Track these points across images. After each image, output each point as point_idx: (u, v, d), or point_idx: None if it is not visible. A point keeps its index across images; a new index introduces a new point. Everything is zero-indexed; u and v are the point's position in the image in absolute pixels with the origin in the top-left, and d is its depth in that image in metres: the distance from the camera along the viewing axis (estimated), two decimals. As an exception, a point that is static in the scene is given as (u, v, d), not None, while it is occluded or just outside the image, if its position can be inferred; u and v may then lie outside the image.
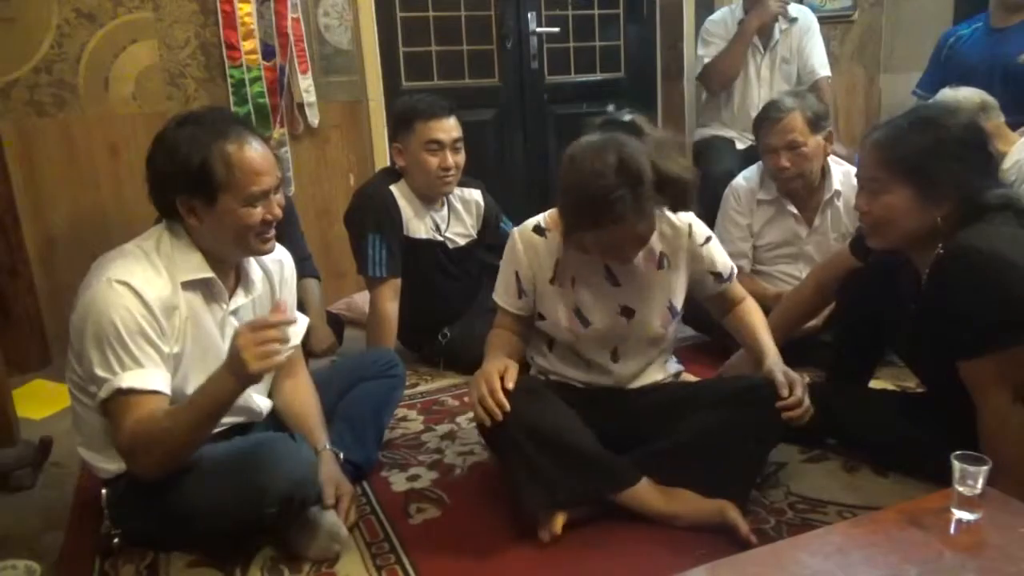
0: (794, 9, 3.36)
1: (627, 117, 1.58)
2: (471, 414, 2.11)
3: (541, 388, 1.69)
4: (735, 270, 1.86)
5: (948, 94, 2.39)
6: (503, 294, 1.78)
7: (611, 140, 1.50)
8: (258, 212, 1.53)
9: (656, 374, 1.83)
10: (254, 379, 1.39)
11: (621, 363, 1.78)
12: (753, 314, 1.85)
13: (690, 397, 1.75)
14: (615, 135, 1.52)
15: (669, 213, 1.69)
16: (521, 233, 1.76)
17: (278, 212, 1.57)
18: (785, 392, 1.59)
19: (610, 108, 1.66)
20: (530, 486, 1.57)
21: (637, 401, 1.78)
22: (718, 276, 1.81)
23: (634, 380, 1.80)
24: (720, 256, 1.81)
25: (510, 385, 1.55)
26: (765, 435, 1.67)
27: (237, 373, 1.37)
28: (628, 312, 1.74)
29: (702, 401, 1.70)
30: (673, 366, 1.88)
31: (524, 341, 1.82)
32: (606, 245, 1.59)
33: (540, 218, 1.77)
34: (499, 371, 1.56)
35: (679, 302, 1.79)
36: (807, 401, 1.60)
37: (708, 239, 1.79)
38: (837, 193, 2.48)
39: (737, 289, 1.87)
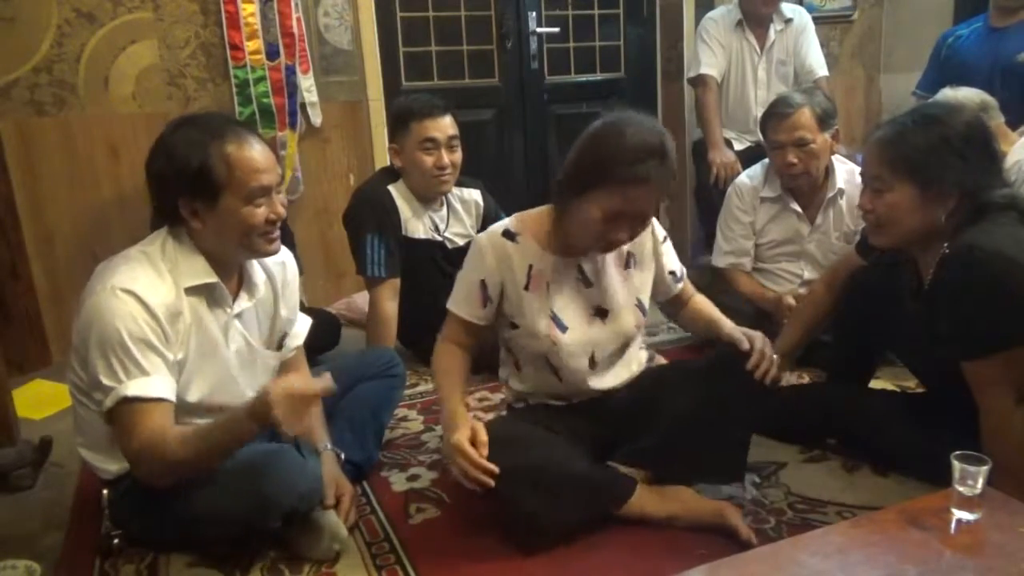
0: (788, 10, 3.36)
1: None
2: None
3: (516, 430, 1.67)
4: (684, 270, 1.89)
5: (948, 94, 2.39)
6: (462, 303, 1.72)
7: (654, 120, 1.59)
8: (261, 211, 1.53)
9: (632, 367, 1.83)
10: (275, 427, 1.42)
11: (599, 369, 1.76)
12: (704, 302, 1.90)
13: (664, 384, 1.75)
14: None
15: None
16: (490, 239, 1.70)
17: (281, 211, 1.57)
18: (746, 345, 1.62)
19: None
20: (530, 527, 1.56)
21: (617, 402, 1.78)
22: (674, 275, 1.84)
23: (610, 383, 1.79)
24: (674, 255, 1.86)
25: (484, 452, 1.51)
26: (743, 403, 1.66)
27: (262, 422, 1.39)
28: (602, 313, 1.73)
29: (675, 385, 1.71)
30: (643, 354, 1.89)
31: (473, 352, 1.77)
32: (613, 212, 1.54)
33: (507, 223, 1.73)
34: (469, 439, 1.53)
35: (646, 300, 1.80)
36: (769, 351, 1.63)
37: (665, 238, 1.83)
38: (840, 191, 2.48)
39: (689, 286, 1.91)
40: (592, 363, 1.75)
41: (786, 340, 2.07)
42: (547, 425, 1.70)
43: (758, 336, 1.66)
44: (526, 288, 1.69)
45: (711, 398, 1.63)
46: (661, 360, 1.97)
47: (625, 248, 1.73)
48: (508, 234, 1.70)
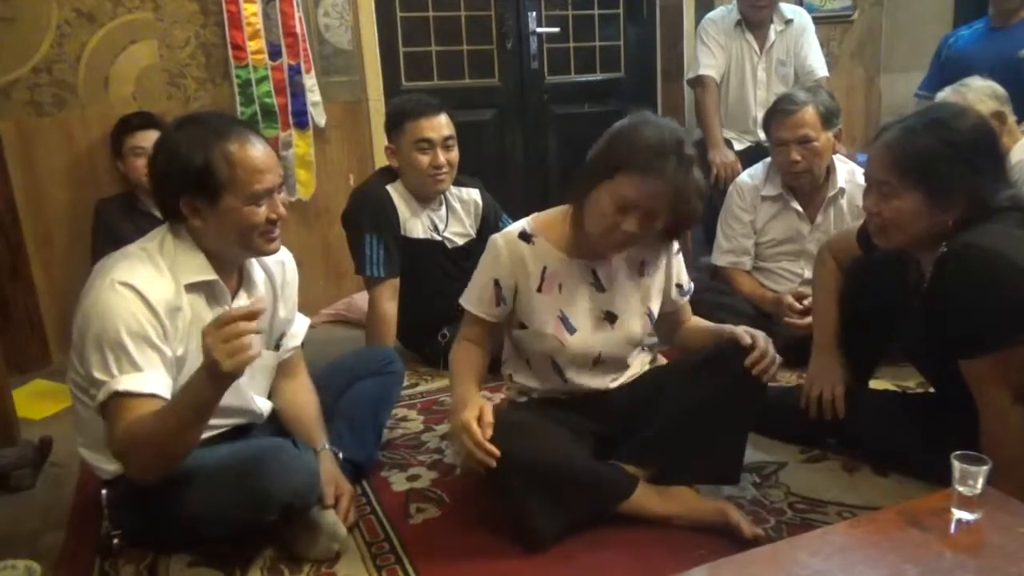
0: (788, 10, 3.36)
1: None
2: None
3: (522, 418, 1.67)
4: (692, 286, 1.87)
5: (969, 83, 2.36)
6: (476, 301, 1.72)
7: (676, 125, 1.62)
8: (262, 211, 1.53)
9: (635, 368, 1.83)
10: (230, 378, 1.33)
11: (603, 372, 1.77)
12: (701, 320, 1.89)
13: (666, 379, 1.76)
14: None
15: None
16: (506, 240, 1.71)
17: (282, 211, 1.57)
18: (748, 341, 1.61)
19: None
20: (531, 521, 1.56)
21: (620, 398, 1.78)
22: (680, 288, 1.83)
23: (613, 384, 1.80)
24: (684, 268, 1.85)
25: (489, 432, 1.50)
26: (743, 399, 1.65)
27: (211, 373, 1.31)
28: (611, 317, 1.74)
29: (672, 384, 1.71)
30: (645, 356, 1.88)
31: (488, 350, 1.77)
32: (625, 202, 1.54)
33: (523, 224, 1.74)
34: (475, 418, 1.52)
35: (656, 308, 1.80)
36: (771, 351, 1.61)
37: (678, 251, 1.83)
38: (841, 191, 2.49)
39: (688, 307, 1.90)
40: (597, 366, 1.76)
41: (828, 321, 1.96)
42: (551, 414, 1.71)
43: (760, 335, 1.64)
44: (538, 290, 1.70)
45: (705, 395, 1.62)
46: (663, 360, 1.97)
47: (640, 256, 1.74)
48: (524, 236, 1.71)
